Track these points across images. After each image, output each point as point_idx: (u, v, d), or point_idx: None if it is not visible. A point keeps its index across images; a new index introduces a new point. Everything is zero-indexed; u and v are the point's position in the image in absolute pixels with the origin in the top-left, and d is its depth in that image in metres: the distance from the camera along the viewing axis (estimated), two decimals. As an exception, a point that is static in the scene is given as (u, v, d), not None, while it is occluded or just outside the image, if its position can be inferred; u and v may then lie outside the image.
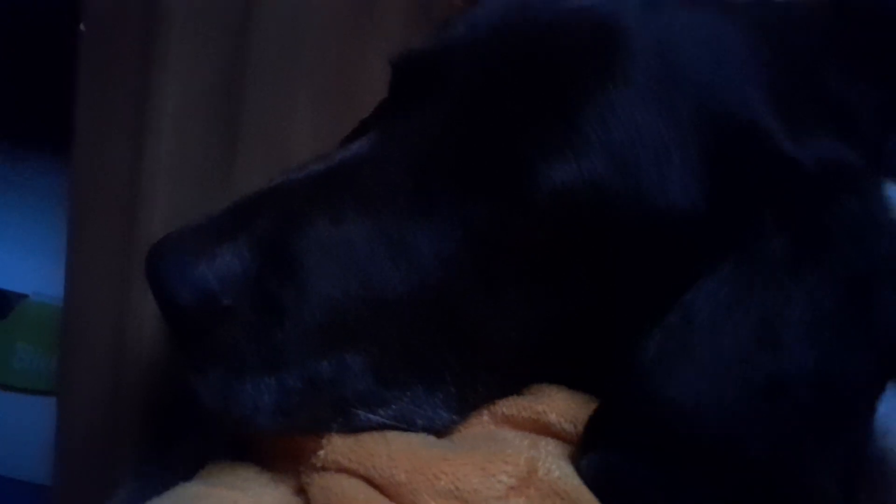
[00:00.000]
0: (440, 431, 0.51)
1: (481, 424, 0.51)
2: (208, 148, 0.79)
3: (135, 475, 0.59)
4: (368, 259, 0.50)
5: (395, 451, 0.48)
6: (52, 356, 0.87)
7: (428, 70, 0.53)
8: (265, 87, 0.78)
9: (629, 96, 0.48)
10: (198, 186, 0.78)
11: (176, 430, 0.61)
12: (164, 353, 0.74)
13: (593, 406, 0.50)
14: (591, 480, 0.48)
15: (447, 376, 0.51)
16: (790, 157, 0.49)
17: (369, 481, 0.47)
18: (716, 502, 0.47)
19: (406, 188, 0.51)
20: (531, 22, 0.52)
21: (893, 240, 0.48)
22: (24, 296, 0.88)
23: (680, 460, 0.48)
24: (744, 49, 0.51)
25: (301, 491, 0.50)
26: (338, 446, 0.49)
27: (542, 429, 0.50)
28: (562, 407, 0.50)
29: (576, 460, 0.49)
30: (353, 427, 0.49)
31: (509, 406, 0.51)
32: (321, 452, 0.49)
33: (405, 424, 0.50)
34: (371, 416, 0.50)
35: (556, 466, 0.48)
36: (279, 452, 0.51)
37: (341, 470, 0.48)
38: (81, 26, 0.78)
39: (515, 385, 0.52)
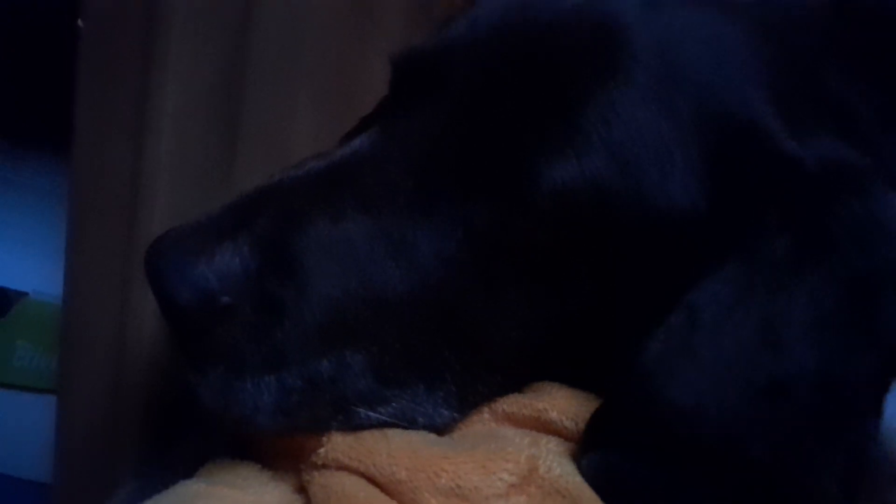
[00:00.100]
0: (441, 429, 0.51)
1: (482, 422, 0.51)
2: (208, 148, 0.79)
3: (135, 474, 0.59)
4: (369, 258, 0.50)
5: (396, 449, 0.48)
6: (52, 354, 0.87)
7: (428, 69, 0.53)
8: (265, 87, 0.79)
9: (630, 96, 0.48)
10: (198, 186, 0.79)
11: (176, 429, 0.61)
12: (165, 352, 0.74)
13: (594, 404, 0.50)
14: (592, 480, 0.48)
15: (448, 375, 0.51)
16: (791, 156, 0.49)
17: (370, 479, 0.47)
18: (716, 502, 0.47)
19: (406, 187, 0.51)
20: (531, 21, 0.52)
21: (895, 241, 0.48)
22: (24, 294, 0.88)
23: (681, 460, 0.48)
24: (744, 49, 0.51)
25: (301, 489, 0.50)
26: (338, 444, 0.49)
27: (543, 426, 0.50)
28: (563, 405, 0.50)
29: (577, 459, 0.49)
30: (354, 425, 0.49)
31: (510, 404, 0.51)
32: (321, 450, 0.49)
33: (406, 422, 0.50)
34: (371, 414, 0.50)
35: (557, 464, 0.48)
36: (279, 451, 0.51)
37: (342, 468, 0.48)
38: (79, 22, 0.78)
39: (516, 384, 0.52)
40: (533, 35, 0.51)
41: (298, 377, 0.49)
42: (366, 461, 0.47)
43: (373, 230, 0.50)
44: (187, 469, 0.52)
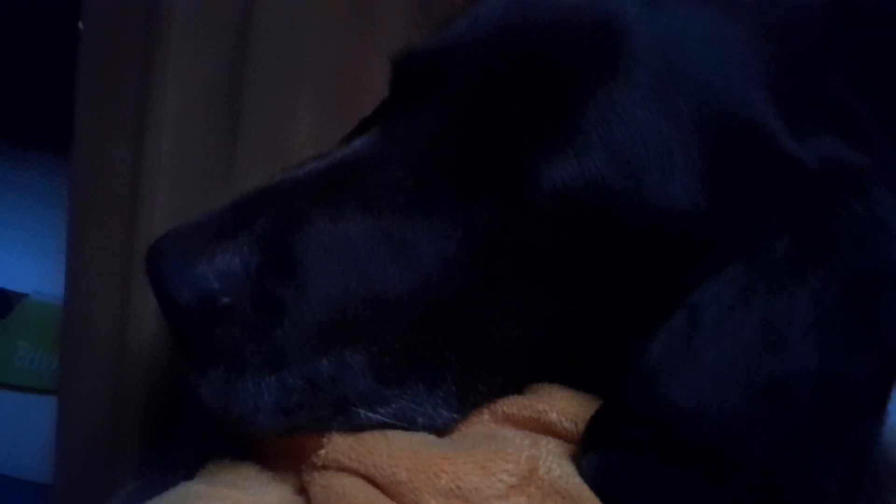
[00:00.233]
0: (441, 430, 0.51)
1: (482, 423, 0.51)
2: (208, 148, 0.79)
3: (135, 475, 0.59)
4: (369, 258, 0.50)
5: (396, 450, 0.48)
6: (52, 355, 0.87)
7: (429, 69, 0.53)
8: (265, 87, 0.79)
9: (630, 95, 0.48)
10: (198, 186, 0.79)
11: (176, 429, 0.61)
12: (165, 352, 0.74)
13: (594, 405, 0.50)
14: (592, 480, 0.48)
15: (448, 375, 0.51)
16: (792, 156, 0.48)
17: (370, 480, 0.47)
18: (717, 502, 0.47)
19: (407, 187, 0.51)
20: (532, 21, 0.52)
21: (895, 241, 0.48)
22: (25, 295, 0.88)
23: (681, 461, 0.48)
24: (745, 48, 0.51)
25: (302, 490, 0.50)
26: (338, 445, 0.49)
27: (542, 427, 0.50)
28: (562, 405, 0.50)
29: (577, 459, 0.49)
30: (354, 426, 0.49)
31: (510, 405, 0.51)
32: (322, 451, 0.49)
33: (406, 423, 0.50)
34: (371, 414, 0.50)
35: (556, 465, 0.48)
36: (280, 451, 0.51)
37: (342, 469, 0.48)
38: (80, 24, 0.78)
39: (516, 384, 0.52)
40: (533, 35, 0.51)
41: (299, 377, 0.49)
42: (366, 462, 0.47)
43: (373, 230, 0.50)
44: (188, 469, 0.52)
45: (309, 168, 0.53)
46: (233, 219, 0.50)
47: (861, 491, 0.48)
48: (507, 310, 0.50)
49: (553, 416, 0.50)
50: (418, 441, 0.49)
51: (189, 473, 0.52)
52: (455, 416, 0.51)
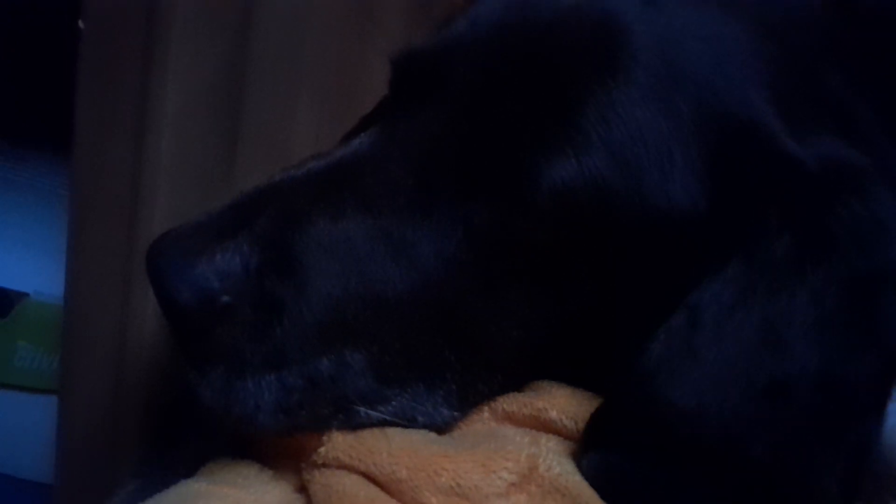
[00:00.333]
0: (441, 428, 0.51)
1: (482, 421, 0.51)
2: (208, 148, 0.79)
3: (135, 474, 0.59)
4: (369, 257, 0.50)
5: (396, 448, 0.48)
6: (52, 355, 0.87)
7: (428, 69, 0.53)
8: (265, 87, 0.79)
9: (630, 95, 0.48)
10: (198, 186, 0.79)
11: (177, 429, 0.61)
12: (165, 352, 0.74)
13: (594, 403, 0.50)
14: (592, 479, 0.48)
15: (448, 374, 0.51)
16: (792, 156, 0.48)
17: (370, 478, 0.47)
18: (716, 502, 0.47)
19: (407, 187, 0.51)
20: (531, 20, 0.52)
21: (895, 241, 0.48)
22: (25, 295, 0.88)
23: (681, 460, 0.48)
24: (745, 48, 0.51)
25: (302, 488, 0.50)
26: (339, 443, 0.49)
27: (542, 425, 0.50)
28: (562, 404, 0.50)
29: (577, 458, 0.49)
30: (354, 424, 0.49)
31: (510, 403, 0.51)
32: (322, 449, 0.49)
33: (406, 421, 0.50)
34: (372, 412, 0.50)
35: (556, 463, 0.48)
36: (280, 450, 0.51)
37: (342, 467, 0.48)
38: (80, 24, 0.78)
39: (516, 383, 0.52)
40: (533, 35, 0.51)
41: (299, 376, 0.49)
42: (366, 460, 0.47)
43: (373, 230, 0.50)
44: (188, 469, 0.52)
45: (309, 168, 0.53)
46: (233, 218, 0.50)
47: (861, 491, 0.48)
48: (507, 309, 0.50)
49: (553, 413, 0.50)
50: (418, 439, 0.49)
51: (189, 473, 0.52)
52: (455, 414, 0.51)
